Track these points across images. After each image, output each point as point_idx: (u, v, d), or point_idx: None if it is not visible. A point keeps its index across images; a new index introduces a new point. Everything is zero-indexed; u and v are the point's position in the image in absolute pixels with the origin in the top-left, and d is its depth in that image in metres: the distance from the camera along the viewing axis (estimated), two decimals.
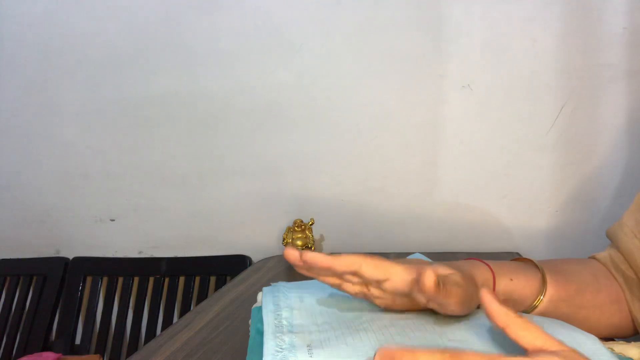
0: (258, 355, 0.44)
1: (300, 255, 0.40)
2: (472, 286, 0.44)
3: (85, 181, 1.28)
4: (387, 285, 0.42)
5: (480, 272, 0.48)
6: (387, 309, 0.47)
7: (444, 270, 0.44)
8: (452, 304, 0.41)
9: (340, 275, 0.42)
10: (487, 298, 0.36)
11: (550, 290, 0.51)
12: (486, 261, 0.50)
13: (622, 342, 0.47)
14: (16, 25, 1.25)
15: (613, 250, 0.58)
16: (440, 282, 0.39)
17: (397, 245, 1.14)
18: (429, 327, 0.43)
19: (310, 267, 0.41)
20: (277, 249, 1.19)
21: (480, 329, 0.43)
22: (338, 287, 0.45)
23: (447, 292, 0.40)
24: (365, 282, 0.43)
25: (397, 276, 0.41)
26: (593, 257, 0.60)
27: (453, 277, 0.43)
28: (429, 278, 0.38)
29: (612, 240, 0.59)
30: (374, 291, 0.44)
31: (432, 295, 0.39)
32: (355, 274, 0.41)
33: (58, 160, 1.29)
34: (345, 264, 0.40)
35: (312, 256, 0.40)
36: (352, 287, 0.44)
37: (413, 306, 0.46)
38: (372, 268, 0.41)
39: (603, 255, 0.59)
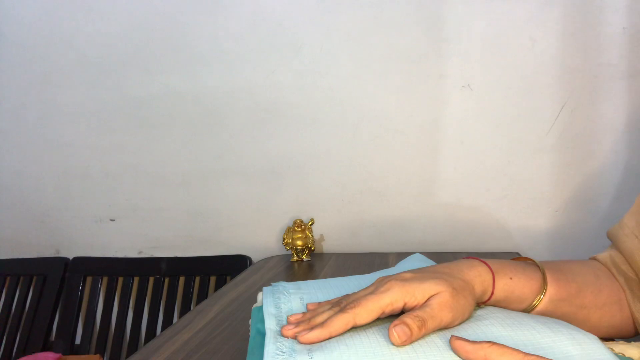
0: (258, 355, 0.44)
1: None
2: (465, 295, 0.44)
3: (85, 181, 1.28)
4: None
5: (479, 272, 0.48)
6: None
7: (429, 288, 0.43)
8: (442, 326, 0.42)
9: None
10: (457, 344, 0.38)
11: (551, 289, 0.51)
12: (486, 260, 0.50)
13: (622, 342, 0.47)
14: (16, 25, 1.25)
15: (614, 251, 0.58)
16: (416, 326, 0.40)
17: (397, 245, 1.14)
18: None
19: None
20: (277, 249, 1.19)
21: (482, 327, 0.43)
22: None
23: (429, 328, 0.41)
24: None
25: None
26: (594, 258, 0.60)
27: (437, 300, 0.42)
28: (394, 340, 0.40)
29: (613, 241, 0.59)
30: None
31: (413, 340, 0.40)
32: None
33: (58, 161, 1.29)
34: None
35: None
36: None
37: None
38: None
39: (603, 255, 0.59)
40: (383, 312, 0.43)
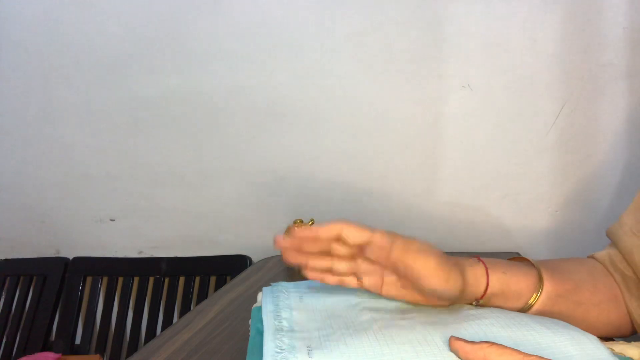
0: (258, 355, 0.44)
1: (288, 235, 0.46)
2: (452, 267, 0.46)
3: (85, 181, 1.28)
4: (371, 250, 0.46)
5: (471, 263, 0.49)
6: (386, 297, 0.48)
7: (419, 242, 0.45)
8: (420, 272, 0.43)
9: (326, 245, 0.47)
10: (456, 344, 0.38)
11: (547, 286, 0.51)
12: (479, 257, 0.51)
13: (622, 342, 0.47)
14: (16, 25, 1.25)
15: (612, 250, 0.58)
16: (396, 242, 0.43)
17: None
18: (429, 328, 0.43)
19: (299, 243, 0.47)
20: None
21: (481, 327, 0.43)
22: (329, 272, 0.48)
23: (406, 253, 0.43)
24: (351, 253, 0.47)
25: (377, 239, 0.45)
26: (592, 257, 0.60)
27: (425, 245, 0.45)
28: (379, 235, 0.44)
29: (612, 239, 0.60)
30: (363, 265, 0.47)
31: (385, 249, 0.43)
32: (339, 239, 0.46)
33: (58, 161, 1.29)
34: (328, 229, 0.45)
35: (298, 230, 0.46)
36: (342, 266, 0.47)
37: (403, 292, 0.47)
38: (353, 230, 0.46)
39: (602, 254, 0.59)
40: (372, 234, 0.45)
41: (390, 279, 0.47)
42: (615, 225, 0.60)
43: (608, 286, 0.55)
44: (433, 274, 0.43)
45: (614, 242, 0.59)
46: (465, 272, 0.47)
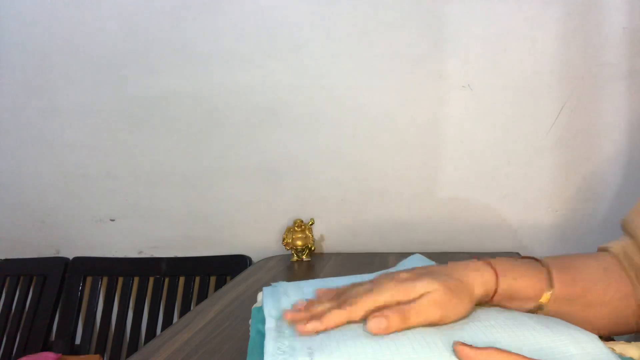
0: (258, 356, 0.44)
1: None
2: (460, 296, 0.45)
3: (85, 181, 1.28)
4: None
5: (481, 274, 0.48)
6: None
7: (422, 286, 0.44)
8: (429, 323, 0.43)
9: None
10: (459, 349, 0.39)
11: (557, 289, 0.51)
12: (491, 261, 0.50)
13: (622, 342, 0.47)
14: (16, 25, 1.25)
15: (626, 242, 0.57)
16: (397, 318, 0.42)
17: (397, 245, 1.14)
18: (430, 330, 0.43)
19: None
20: (277, 249, 1.19)
21: (482, 330, 0.43)
22: None
23: (412, 322, 0.42)
24: None
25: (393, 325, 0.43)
26: (605, 248, 0.59)
27: (428, 297, 0.43)
28: (369, 329, 0.41)
29: (628, 228, 0.58)
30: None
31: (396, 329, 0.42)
32: None
33: (58, 161, 1.29)
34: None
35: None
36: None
37: None
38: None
39: (617, 248, 0.57)
40: (378, 309, 0.44)
41: None
42: (632, 214, 0.58)
43: (621, 284, 0.54)
44: (442, 319, 0.44)
45: (630, 232, 0.57)
46: (473, 291, 0.47)
